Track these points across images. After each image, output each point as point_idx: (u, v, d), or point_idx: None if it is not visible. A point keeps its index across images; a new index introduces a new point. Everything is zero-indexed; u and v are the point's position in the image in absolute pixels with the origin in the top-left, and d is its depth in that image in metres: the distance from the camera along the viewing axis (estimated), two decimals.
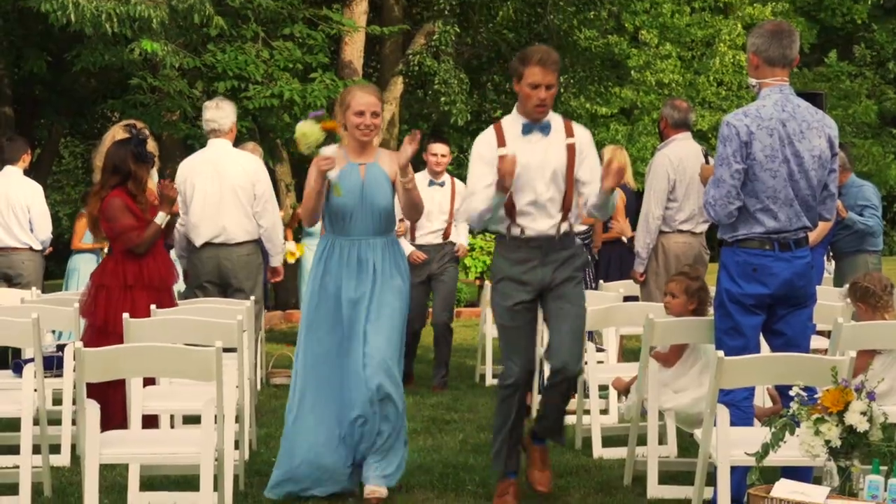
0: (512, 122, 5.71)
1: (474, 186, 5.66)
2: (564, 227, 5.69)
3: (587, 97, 19.39)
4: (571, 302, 5.67)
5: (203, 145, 8.70)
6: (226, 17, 12.91)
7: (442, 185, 9.44)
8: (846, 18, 27.80)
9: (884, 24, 28.44)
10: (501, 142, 5.64)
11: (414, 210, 6.08)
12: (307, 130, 5.81)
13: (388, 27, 15.54)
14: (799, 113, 5.35)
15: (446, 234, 9.48)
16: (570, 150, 5.67)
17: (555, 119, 5.74)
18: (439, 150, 9.47)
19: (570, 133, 5.70)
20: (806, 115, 5.37)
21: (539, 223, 5.65)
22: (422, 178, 9.03)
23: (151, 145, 7.37)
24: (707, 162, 5.93)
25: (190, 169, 8.31)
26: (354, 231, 5.92)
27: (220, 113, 8.33)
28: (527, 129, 5.64)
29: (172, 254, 8.20)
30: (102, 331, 6.81)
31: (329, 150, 5.79)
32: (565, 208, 5.67)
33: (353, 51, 15.36)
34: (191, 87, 13.33)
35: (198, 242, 8.19)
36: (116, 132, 7.63)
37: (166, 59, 11.88)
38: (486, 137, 5.71)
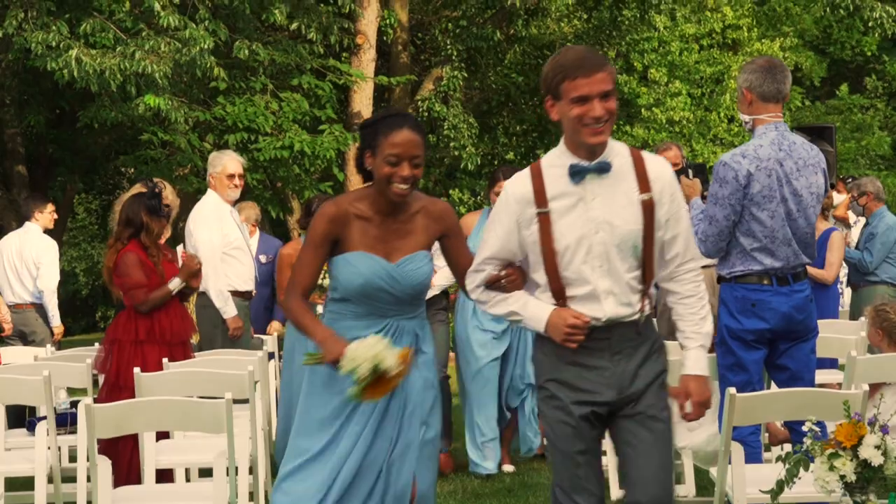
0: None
1: None
2: None
3: None
4: None
5: None
6: (233, 70, 12.98)
7: None
8: (856, 51, 27.82)
9: (894, 56, 28.44)
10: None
11: None
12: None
13: (396, 77, 15.62)
14: (795, 150, 5.35)
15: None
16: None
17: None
18: None
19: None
20: (801, 153, 5.36)
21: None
22: None
23: (171, 198, 7.43)
24: (688, 176, 5.86)
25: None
26: None
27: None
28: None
29: None
30: (115, 385, 6.81)
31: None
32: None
33: (362, 99, 15.42)
34: (201, 140, 13.40)
35: None
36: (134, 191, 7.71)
37: (171, 113, 11.96)
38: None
